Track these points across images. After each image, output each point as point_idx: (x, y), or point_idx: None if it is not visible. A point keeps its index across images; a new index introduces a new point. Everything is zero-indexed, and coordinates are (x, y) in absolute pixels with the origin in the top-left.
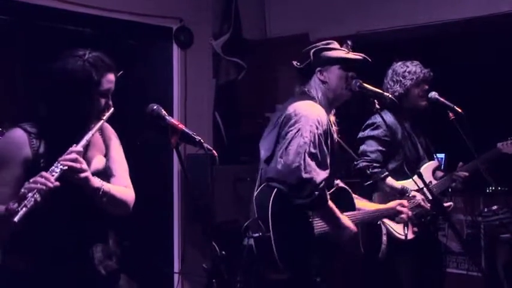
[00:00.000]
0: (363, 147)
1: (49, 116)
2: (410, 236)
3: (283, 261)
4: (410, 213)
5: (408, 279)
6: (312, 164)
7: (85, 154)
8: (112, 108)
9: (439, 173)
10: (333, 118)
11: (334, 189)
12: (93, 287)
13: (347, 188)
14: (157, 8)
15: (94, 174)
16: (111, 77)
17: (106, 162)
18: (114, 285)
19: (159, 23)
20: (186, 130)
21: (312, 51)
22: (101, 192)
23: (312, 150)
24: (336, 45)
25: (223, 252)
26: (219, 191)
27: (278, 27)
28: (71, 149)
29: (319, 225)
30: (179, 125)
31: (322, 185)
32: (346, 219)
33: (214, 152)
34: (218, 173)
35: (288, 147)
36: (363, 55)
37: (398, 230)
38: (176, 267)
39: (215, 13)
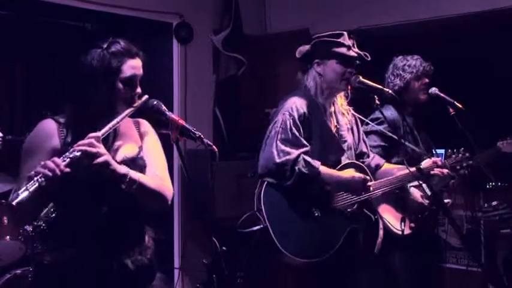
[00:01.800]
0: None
1: (73, 107)
2: (407, 231)
3: (285, 247)
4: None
5: (404, 274)
6: (285, 147)
7: (112, 142)
8: (146, 96)
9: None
10: (337, 105)
11: (344, 164)
12: (120, 282)
13: (359, 162)
14: (158, 3)
15: (121, 162)
16: (133, 62)
17: (139, 152)
18: (145, 283)
19: (159, 18)
20: (186, 125)
21: (313, 42)
22: (127, 179)
23: (283, 136)
24: (344, 38)
25: (224, 248)
26: (219, 186)
27: (278, 23)
28: (89, 135)
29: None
30: (179, 121)
31: (299, 159)
32: (350, 174)
33: (214, 147)
34: (218, 168)
35: (265, 142)
36: (362, 52)
37: (395, 225)
38: (176, 262)
39: (215, 8)
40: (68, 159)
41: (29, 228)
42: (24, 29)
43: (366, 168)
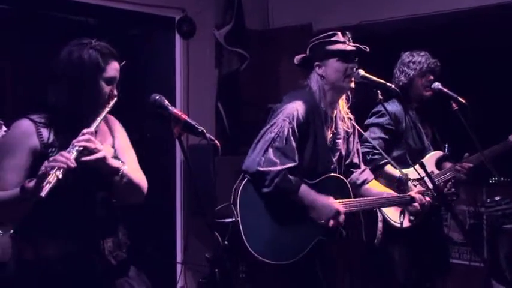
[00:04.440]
0: (366, 134)
1: (58, 105)
2: (406, 224)
3: (251, 245)
4: (425, 200)
5: (402, 267)
6: (273, 157)
7: None
8: (116, 98)
9: (447, 164)
10: (339, 111)
11: (324, 177)
12: (104, 277)
13: (341, 176)
14: None
15: None
16: (115, 65)
17: (114, 152)
18: (124, 275)
19: (161, 13)
20: (189, 120)
21: (309, 46)
22: (120, 173)
23: (278, 144)
24: (338, 36)
25: (226, 242)
26: (221, 181)
27: (281, 18)
28: (83, 131)
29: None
30: (182, 115)
31: (281, 174)
32: (326, 200)
33: (217, 142)
34: (221, 163)
35: (258, 141)
36: (360, 46)
37: (394, 217)
38: (179, 257)
39: (218, 3)
40: (73, 154)
41: None
42: (25, 23)
43: (347, 183)
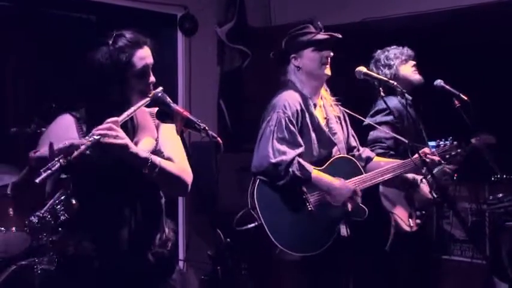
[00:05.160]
0: (376, 134)
1: (88, 105)
2: (414, 227)
3: (278, 240)
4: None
5: (405, 268)
6: (281, 147)
7: (133, 138)
8: (160, 88)
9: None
10: (325, 98)
11: (332, 159)
12: (140, 275)
13: (348, 156)
14: None
15: None
16: (142, 53)
17: (156, 145)
18: (165, 276)
19: (163, 10)
20: (191, 117)
21: (284, 40)
22: (149, 163)
23: (279, 135)
24: (309, 28)
25: (228, 240)
26: (223, 178)
27: (283, 14)
28: (107, 120)
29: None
30: (184, 112)
31: (295, 161)
32: (339, 181)
33: (219, 139)
34: (223, 160)
35: (260, 140)
36: (332, 33)
37: (405, 221)
38: (181, 254)
39: (220, 0)
40: (88, 142)
41: (34, 219)
42: (27, 20)
43: (356, 161)
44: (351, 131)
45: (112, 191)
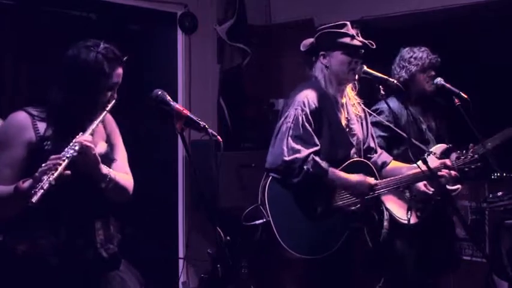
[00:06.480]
0: None
1: (59, 102)
2: (413, 220)
3: (285, 242)
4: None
5: (411, 263)
6: (295, 145)
7: None
8: (114, 100)
9: (453, 155)
10: (349, 97)
11: (348, 162)
12: (96, 269)
13: (365, 160)
14: None
15: None
16: (120, 70)
17: (107, 148)
18: (114, 268)
19: (163, 8)
20: (191, 116)
21: (317, 34)
22: (108, 179)
23: (295, 132)
24: (347, 28)
25: (228, 238)
26: (223, 177)
27: (283, 13)
28: (82, 137)
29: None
30: (184, 111)
31: (310, 159)
32: (356, 176)
33: (219, 138)
34: (223, 159)
35: (276, 137)
36: (367, 41)
37: (400, 215)
38: (181, 252)
39: None
40: (67, 159)
41: None
42: (27, 18)
43: (372, 166)
44: (371, 131)
45: (63, 190)
